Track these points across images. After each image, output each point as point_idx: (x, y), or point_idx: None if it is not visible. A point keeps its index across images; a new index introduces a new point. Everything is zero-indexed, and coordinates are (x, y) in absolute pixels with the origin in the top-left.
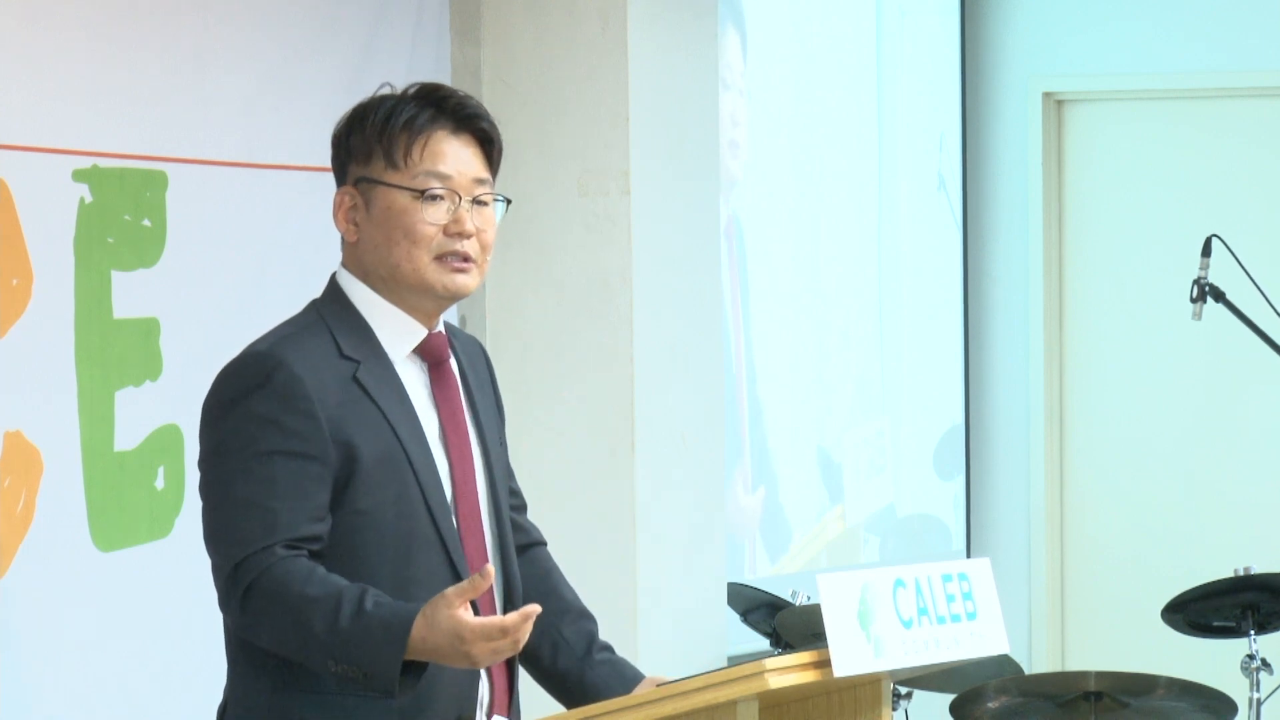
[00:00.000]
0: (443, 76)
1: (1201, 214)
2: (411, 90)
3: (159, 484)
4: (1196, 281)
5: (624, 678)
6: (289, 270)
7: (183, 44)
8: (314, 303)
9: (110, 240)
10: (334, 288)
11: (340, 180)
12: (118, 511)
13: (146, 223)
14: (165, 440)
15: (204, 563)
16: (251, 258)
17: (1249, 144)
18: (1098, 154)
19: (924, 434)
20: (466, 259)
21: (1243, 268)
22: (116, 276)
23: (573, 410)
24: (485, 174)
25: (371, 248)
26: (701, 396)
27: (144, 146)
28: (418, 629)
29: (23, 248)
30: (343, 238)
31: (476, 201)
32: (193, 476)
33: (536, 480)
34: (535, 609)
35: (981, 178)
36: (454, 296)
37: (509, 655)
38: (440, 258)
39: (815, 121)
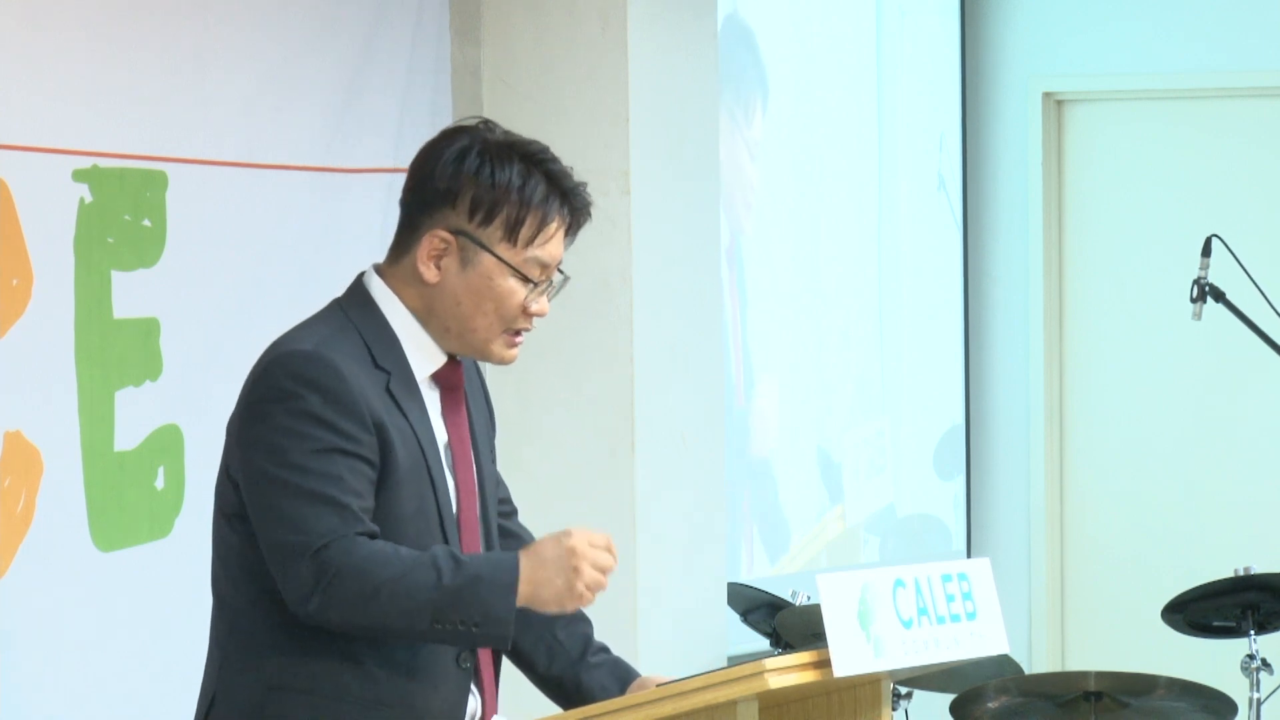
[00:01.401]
0: (443, 76)
1: (1201, 214)
2: (533, 155)
3: (159, 484)
4: (1196, 281)
5: (620, 678)
6: (289, 270)
7: (183, 44)
8: (339, 304)
9: (110, 240)
10: (363, 294)
11: (425, 211)
12: (118, 511)
13: (146, 223)
14: (165, 440)
15: (204, 563)
16: (251, 258)
17: (1249, 144)
18: (1098, 154)
19: (924, 434)
20: (523, 332)
21: (1243, 268)
22: (116, 276)
23: (573, 410)
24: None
25: (452, 301)
26: (701, 396)
27: (144, 146)
28: (524, 562)
29: (23, 248)
30: (395, 255)
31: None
32: (193, 477)
33: (537, 480)
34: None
35: (981, 178)
36: (495, 364)
37: (603, 582)
38: (508, 330)
39: (816, 122)
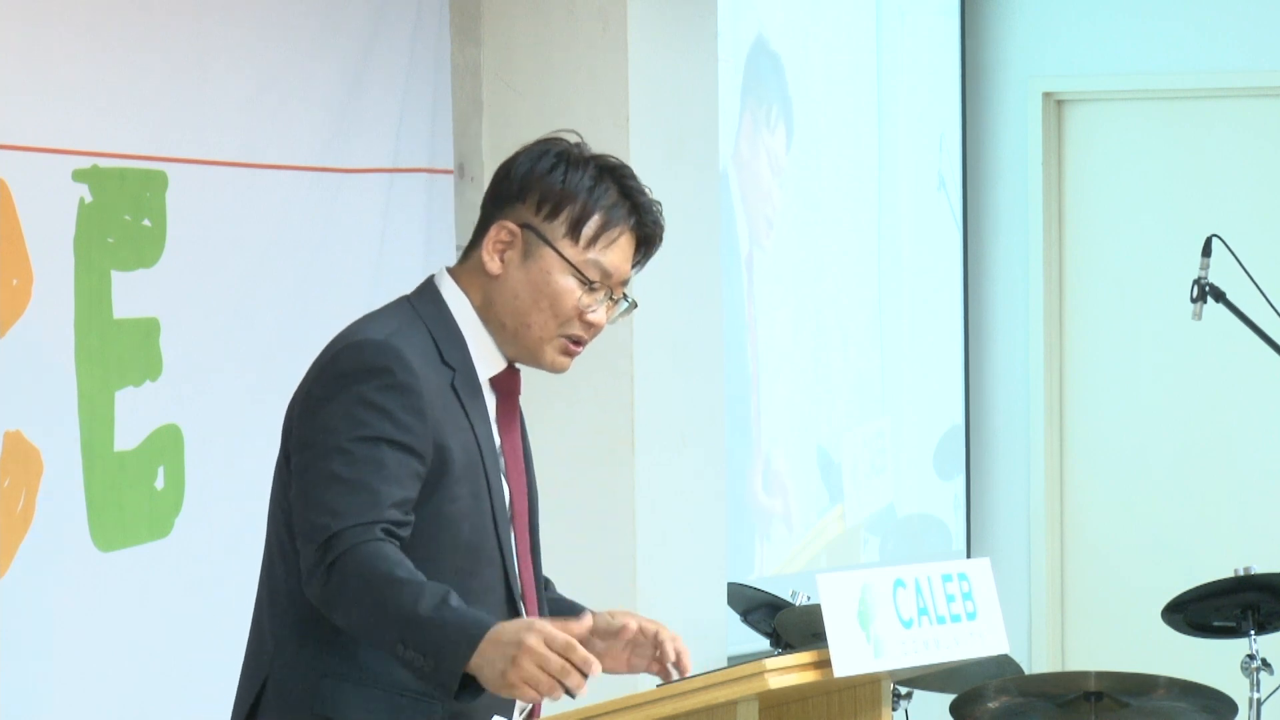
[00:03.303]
0: (443, 76)
1: (1201, 214)
2: (611, 167)
3: (159, 484)
4: (1197, 281)
5: (563, 614)
6: (289, 270)
7: (183, 44)
8: (408, 300)
9: (110, 240)
10: (433, 293)
11: (498, 205)
12: (118, 511)
13: (146, 223)
14: (165, 440)
15: (204, 563)
16: (251, 258)
17: (1249, 144)
18: (1098, 154)
19: (924, 434)
20: (580, 343)
21: (1243, 268)
22: (116, 276)
23: (573, 410)
24: (630, 275)
25: (510, 294)
26: (701, 396)
27: (144, 146)
28: (489, 635)
29: (23, 248)
30: (466, 254)
31: (611, 296)
32: (193, 477)
33: (538, 480)
34: (597, 669)
35: (981, 178)
36: (549, 372)
37: (541, 681)
38: (564, 335)
39: (816, 121)
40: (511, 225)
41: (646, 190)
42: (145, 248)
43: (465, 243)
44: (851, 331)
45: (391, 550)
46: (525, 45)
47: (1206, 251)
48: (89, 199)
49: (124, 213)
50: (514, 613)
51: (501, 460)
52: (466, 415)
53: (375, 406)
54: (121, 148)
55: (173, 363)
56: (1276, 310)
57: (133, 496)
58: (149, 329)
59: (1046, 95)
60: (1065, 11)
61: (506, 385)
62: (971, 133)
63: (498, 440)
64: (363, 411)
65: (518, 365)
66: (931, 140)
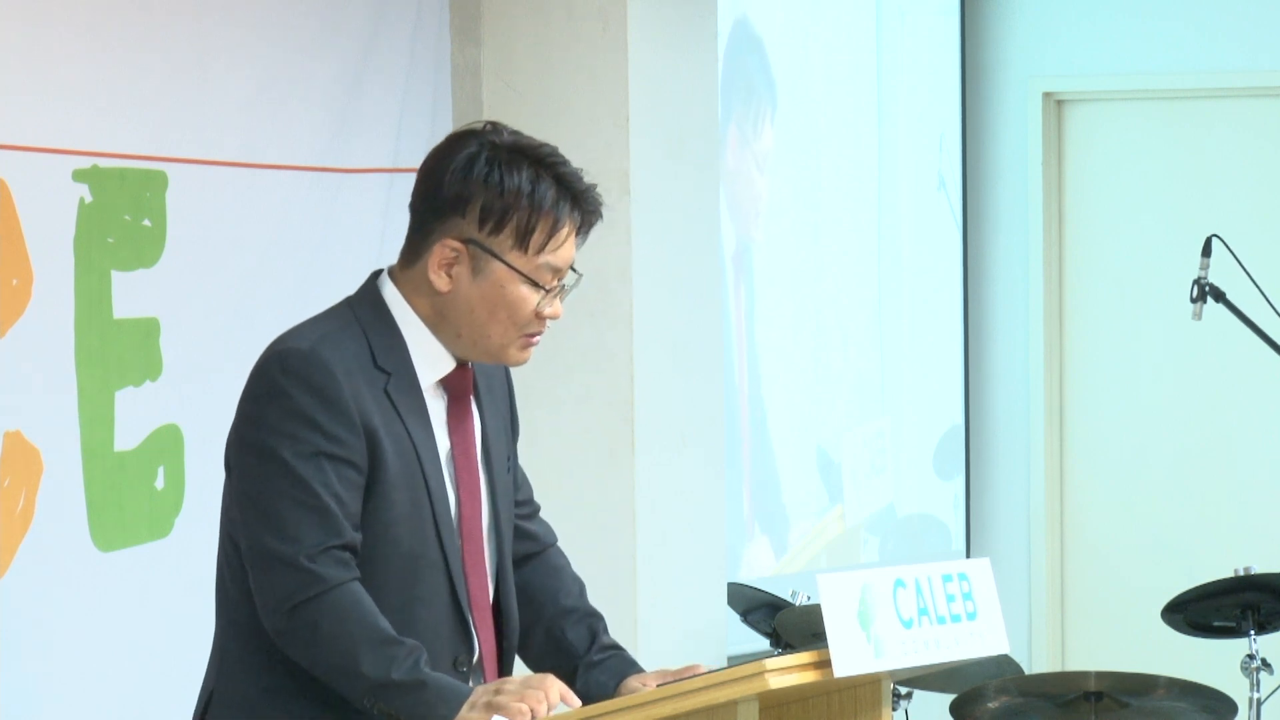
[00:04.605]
0: (443, 76)
1: (1201, 214)
2: (543, 159)
3: (159, 484)
4: (1196, 281)
5: (618, 675)
6: (289, 270)
7: (183, 44)
8: (348, 302)
9: (110, 240)
10: (374, 294)
11: (436, 217)
12: (117, 511)
13: (146, 223)
14: (165, 440)
15: (203, 563)
16: (251, 258)
17: (1249, 144)
18: (1098, 154)
19: (924, 434)
20: (538, 334)
21: (1243, 268)
22: (116, 276)
23: (573, 410)
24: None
25: (465, 309)
26: (701, 396)
27: (144, 146)
28: (466, 705)
29: (23, 248)
30: (407, 260)
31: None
32: (193, 476)
33: (537, 480)
34: None
35: (981, 178)
36: (510, 366)
37: (537, 694)
38: (523, 335)
39: (816, 122)
40: (454, 243)
41: (580, 173)
42: (145, 248)
43: None
44: (851, 331)
45: (365, 602)
46: (525, 45)
47: (1206, 251)
48: (89, 199)
49: (124, 213)
50: (460, 621)
51: (449, 464)
52: (401, 420)
53: (306, 419)
54: (121, 148)
55: (173, 363)
56: (1276, 310)
57: (133, 496)
58: (149, 329)
59: (1046, 95)
60: (1065, 11)
61: (457, 386)
62: (971, 133)
63: (446, 444)
64: (294, 425)
65: (469, 364)
66: (931, 140)
